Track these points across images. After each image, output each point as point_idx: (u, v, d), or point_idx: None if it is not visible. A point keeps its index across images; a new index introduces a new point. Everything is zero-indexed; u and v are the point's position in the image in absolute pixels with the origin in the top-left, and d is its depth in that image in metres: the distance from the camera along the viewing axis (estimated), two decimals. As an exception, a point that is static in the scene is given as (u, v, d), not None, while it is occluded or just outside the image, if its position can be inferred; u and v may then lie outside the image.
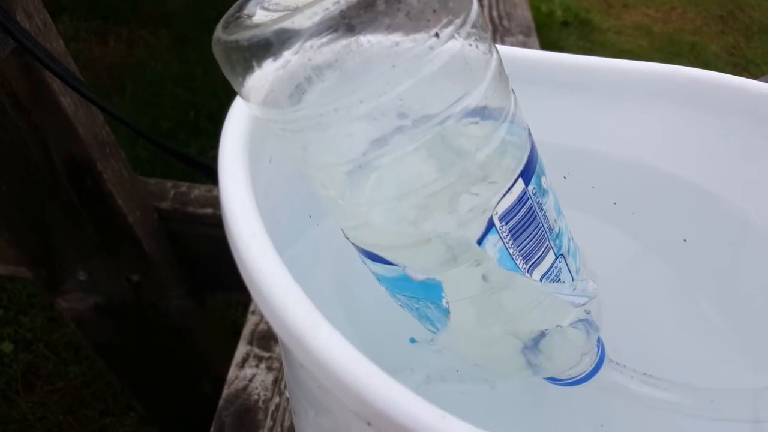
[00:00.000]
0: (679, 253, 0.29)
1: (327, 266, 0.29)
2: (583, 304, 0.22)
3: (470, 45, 0.17)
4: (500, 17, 0.90)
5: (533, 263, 0.20)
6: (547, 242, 0.20)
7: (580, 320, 0.23)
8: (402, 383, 0.14)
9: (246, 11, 0.18)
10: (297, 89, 0.17)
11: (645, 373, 0.26)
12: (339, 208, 0.20)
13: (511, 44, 0.84)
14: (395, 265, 0.20)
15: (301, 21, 0.15)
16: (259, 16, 0.17)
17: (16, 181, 0.56)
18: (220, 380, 0.47)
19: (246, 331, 0.50)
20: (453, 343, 0.22)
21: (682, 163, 0.28)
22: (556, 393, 0.26)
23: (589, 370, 0.25)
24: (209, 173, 0.43)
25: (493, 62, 0.18)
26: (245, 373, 0.47)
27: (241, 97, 0.19)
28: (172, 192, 0.68)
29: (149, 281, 0.68)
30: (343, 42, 0.15)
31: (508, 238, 0.19)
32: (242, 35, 0.16)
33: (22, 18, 0.44)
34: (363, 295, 0.28)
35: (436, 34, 0.16)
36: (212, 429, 0.44)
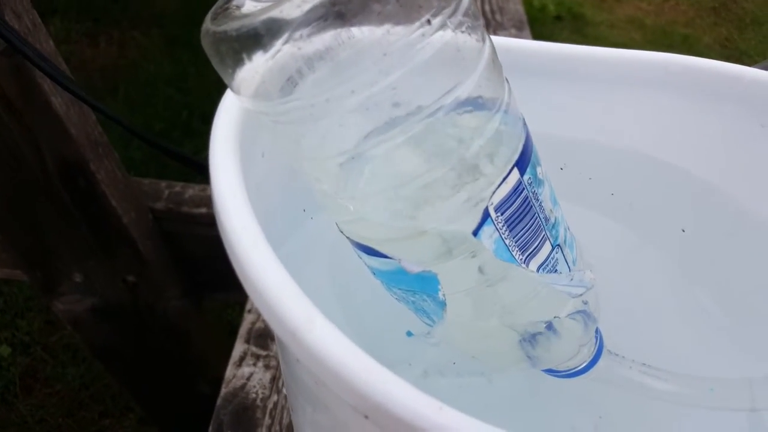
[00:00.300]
0: (677, 244, 0.29)
1: (322, 260, 0.29)
2: (581, 295, 0.22)
3: (462, 33, 0.17)
4: (492, 11, 0.90)
5: (530, 254, 0.20)
6: (544, 233, 0.20)
7: (578, 311, 0.23)
8: (400, 377, 0.14)
9: (235, 2, 0.18)
10: (288, 81, 0.17)
11: (643, 364, 0.26)
12: (333, 202, 0.20)
13: (504, 38, 0.84)
14: (390, 258, 0.20)
15: (290, 10, 0.15)
16: (248, 6, 0.17)
17: (8, 183, 0.56)
18: (218, 380, 0.47)
19: (243, 330, 0.50)
20: (450, 336, 0.22)
21: (677, 153, 0.28)
22: (554, 385, 0.26)
23: (587, 362, 0.25)
24: (203, 171, 0.43)
25: (486, 51, 0.18)
26: (243, 372, 0.47)
27: (232, 90, 0.18)
28: (167, 192, 0.68)
29: (145, 282, 0.68)
30: (334, 31, 0.15)
31: (504, 228, 0.19)
32: (230, 26, 0.16)
33: (11, 18, 0.44)
34: (359, 289, 0.28)
35: (428, 21, 0.15)
36: (210, 428, 0.44)
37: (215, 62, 0.17)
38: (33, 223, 0.61)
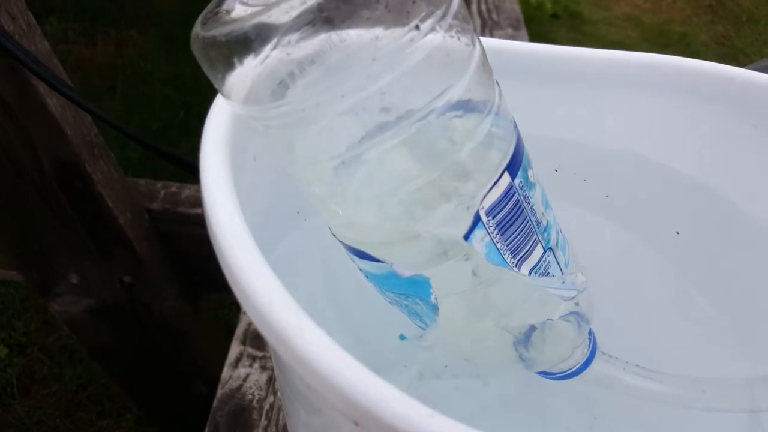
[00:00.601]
0: (672, 244, 0.29)
1: (316, 261, 0.29)
2: (573, 298, 0.22)
3: (452, 37, 0.17)
4: (489, 10, 0.90)
5: (521, 257, 0.20)
6: (535, 236, 0.20)
7: (571, 313, 0.23)
8: (395, 380, 0.14)
9: (225, 6, 0.18)
10: (279, 86, 0.17)
11: (637, 365, 0.26)
12: (325, 206, 0.20)
13: (500, 38, 0.83)
14: (382, 262, 0.20)
15: (279, 15, 0.15)
16: (238, 11, 0.17)
17: (4, 184, 0.56)
18: (215, 380, 0.47)
19: (239, 331, 0.50)
20: (443, 339, 0.22)
21: (671, 154, 0.28)
22: (550, 387, 0.26)
23: (581, 363, 0.25)
24: (197, 173, 0.43)
25: (476, 54, 0.18)
26: (239, 373, 0.47)
27: (222, 94, 0.18)
28: (163, 192, 0.68)
29: (142, 283, 0.68)
30: (323, 36, 0.15)
31: (496, 232, 0.19)
32: (220, 31, 0.16)
33: (5, 20, 0.44)
34: (352, 291, 0.28)
35: (417, 26, 0.15)
36: (207, 430, 0.44)
37: (205, 67, 0.17)
38: (29, 224, 0.60)
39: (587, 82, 0.27)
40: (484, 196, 0.18)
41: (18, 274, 0.67)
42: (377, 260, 0.20)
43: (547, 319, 0.22)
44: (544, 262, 0.21)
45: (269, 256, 0.16)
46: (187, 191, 0.68)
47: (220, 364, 0.48)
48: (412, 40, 0.15)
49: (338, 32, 0.15)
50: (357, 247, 0.21)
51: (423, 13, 0.16)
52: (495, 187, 0.18)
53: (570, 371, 0.25)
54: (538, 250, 0.20)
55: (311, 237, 0.27)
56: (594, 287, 0.24)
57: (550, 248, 0.21)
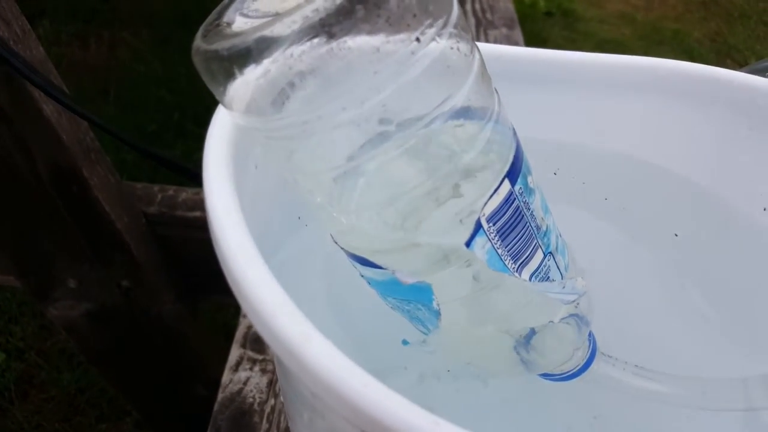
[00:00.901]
0: (670, 246, 0.30)
1: (317, 266, 0.29)
2: (573, 301, 0.22)
3: (452, 48, 0.17)
4: (483, 10, 0.90)
5: (522, 263, 0.20)
6: (536, 241, 0.20)
7: (571, 315, 0.23)
8: (395, 383, 0.14)
9: (225, 19, 0.18)
10: (279, 95, 0.17)
11: (636, 365, 0.26)
12: (327, 214, 0.20)
13: (495, 37, 0.84)
14: (384, 269, 0.20)
15: (281, 29, 0.15)
16: (239, 23, 0.17)
17: (0, 190, 0.56)
18: (214, 382, 0.47)
19: (239, 334, 0.50)
20: (445, 344, 0.22)
21: (669, 156, 0.28)
22: (549, 387, 0.27)
23: (581, 365, 0.25)
24: (193, 178, 0.43)
25: (476, 63, 0.18)
26: (239, 377, 0.47)
27: (223, 105, 0.19)
28: (159, 196, 0.68)
29: (140, 286, 0.68)
30: (324, 49, 0.15)
31: (496, 238, 0.19)
32: (222, 45, 0.16)
33: None
34: (354, 296, 0.28)
35: (417, 39, 0.16)
36: (208, 434, 0.44)
37: (207, 79, 0.17)
38: (26, 229, 0.60)
39: (585, 86, 0.27)
40: (485, 204, 0.19)
41: (15, 279, 0.67)
42: (379, 267, 0.20)
43: (549, 322, 0.22)
44: (545, 266, 0.21)
45: (270, 262, 0.16)
46: (184, 194, 0.68)
47: (219, 366, 0.48)
48: (413, 52, 0.16)
49: (339, 45, 0.15)
50: (358, 254, 0.21)
51: (423, 25, 0.16)
52: (495, 194, 0.19)
53: (571, 372, 0.25)
54: (539, 255, 0.21)
55: (312, 242, 0.27)
56: (593, 289, 0.24)
57: (550, 253, 0.21)
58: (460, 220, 0.19)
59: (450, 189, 0.18)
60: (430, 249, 0.19)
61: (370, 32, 0.15)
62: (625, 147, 0.28)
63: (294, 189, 0.21)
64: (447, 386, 0.30)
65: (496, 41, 0.83)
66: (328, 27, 0.15)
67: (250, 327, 0.50)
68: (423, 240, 0.19)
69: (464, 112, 0.18)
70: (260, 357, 0.48)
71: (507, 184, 0.19)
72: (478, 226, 0.19)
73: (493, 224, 0.19)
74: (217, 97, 0.18)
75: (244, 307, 0.16)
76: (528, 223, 0.20)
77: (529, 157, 0.21)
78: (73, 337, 0.74)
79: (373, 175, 0.18)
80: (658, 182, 0.29)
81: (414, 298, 0.21)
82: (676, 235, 0.29)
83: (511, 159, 0.19)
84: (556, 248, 0.22)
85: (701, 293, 0.29)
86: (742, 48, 2.05)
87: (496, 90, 0.20)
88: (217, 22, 0.18)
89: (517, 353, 0.23)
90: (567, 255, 0.23)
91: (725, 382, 0.25)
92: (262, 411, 0.45)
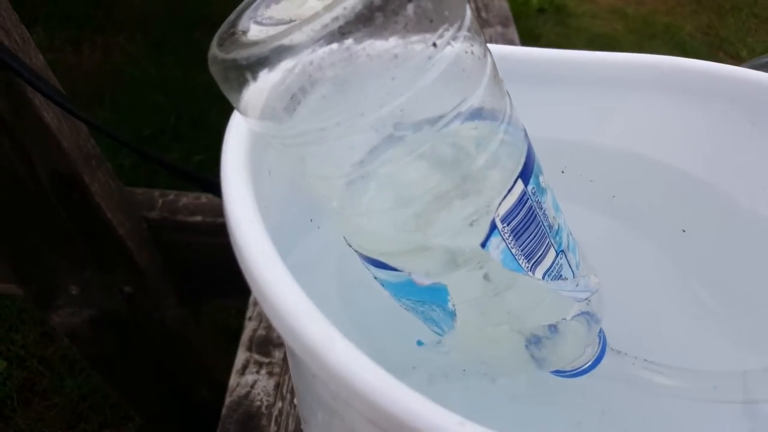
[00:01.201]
0: (677, 243, 0.30)
1: (330, 268, 0.30)
2: (586, 299, 0.22)
3: (466, 52, 0.17)
4: (478, 9, 0.90)
5: (535, 262, 0.20)
6: (548, 240, 0.21)
7: (582, 312, 0.23)
8: (406, 383, 0.14)
9: (240, 27, 0.18)
10: (292, 100, 0.17)
11: (645, 360, 0.26)
12: (341, 217, 0.20)
13: (490, 35, 0.84)
14: (399, 270, 0.20)
15: (300, 38, 0.15)
16: (254, 31, 0.17)
17: (1, 198, 0.56)
18: (218, 385, 0.47)
19: (244, 338, 0.50)
20: (459, 344, 0.23)
21: (672, 153, 0.28)
22: (557, 381, 0.27)
23: (592, 361, 0.25)
24: (197, 182, 0.43)
25: (488, 66, 0.18)
26: (246, 380, 0.47)
27: (239, 111, 0.19)
28: (160, 201, 0.68)
29: (142, 292, 0.68)
30: (342, 56, 0.15)
31: (510, 238, 0.19)
32: (240, 54, 0.16)
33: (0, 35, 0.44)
34: (365, 297, 0.28)
35: (434, 44, 0.16)
36: (217, 438, 0.44)
37: (224, 88, 0.17)
38: (27, 237, 0.60)
39: (589, 85, 0.27)
40: (499, 204, 0.19)
41: (17, 287, 0.67)
42: (394, 269, 0.21)
43: (562, 319, 0.22)
44: (557, 264, 0.21)
45: (284, 263, 0.16)
46: (184, 199, 0.68)
47: (222, 369, 0.48)
48: (430, 57, 0.16)
49: (358, 51, 0.15)
50: (373, 256, 0.21)
51: (439, 30, 0.16)
52: (509, 194, 0.19)
53: (581, 368, 0.26)
54: (551, 254, 0.21)
55: (324, 244, 0.28)
56: (602, 286, 0.25)
57: (562, 251, 0.22)
58: (475, 221, 0.19)
59: (465, 191, 0.19)
60: (445, 250, 0.20)
61: (387, 38, 0.15)
62: (630, 144, 0.29)
63: (307, 192, 0.21)
64: (456, 384, 0.30)
65: (491, 39, 0.83)
66: (346, 34, 0.15)
67: (255, 330, 0.51)
68: (438, 242, 0.19)
69: (478, 114, 0.18)
70: (266, 360, 0.48)
71: (520, 184, 0.19)
72: (493, 227, 0.19)
73: (507, 224, 0.19)
74: (233, 104, 0.18)
75: (268, 312, 0.16)
76: (541, 222, 0.20)
77: (537, 156, 0.21)
78: (75, 344, 0.74)
79: (387, 179, 0.19)
80: (663, 178, 0.29)
81: (429, 299, 0.21)
82: (683, 231, 0.29)
83: (523, 159, 0.20)
84: (568, 246, 0.22)
85: (708, 289, 0.30)
86: (734, 40, 2.06)
87: (507, 92, 0.20)
88: (232, 30, 0.18)
89: (530, 351, 0.23)
90: (578, 253, 0.23)
91: (733, 375, 0.26)
92: (270, 414, 0.45)
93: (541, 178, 0.21)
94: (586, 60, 0.27)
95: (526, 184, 0.20)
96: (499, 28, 0.87)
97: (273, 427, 0.44)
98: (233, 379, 0.47)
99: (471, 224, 0.19)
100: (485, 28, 0.86)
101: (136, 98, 1.50)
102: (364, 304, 0.29)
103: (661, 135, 0.28)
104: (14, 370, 1.03)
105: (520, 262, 0.20)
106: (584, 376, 0.26)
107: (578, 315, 0.23)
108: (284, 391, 0.46)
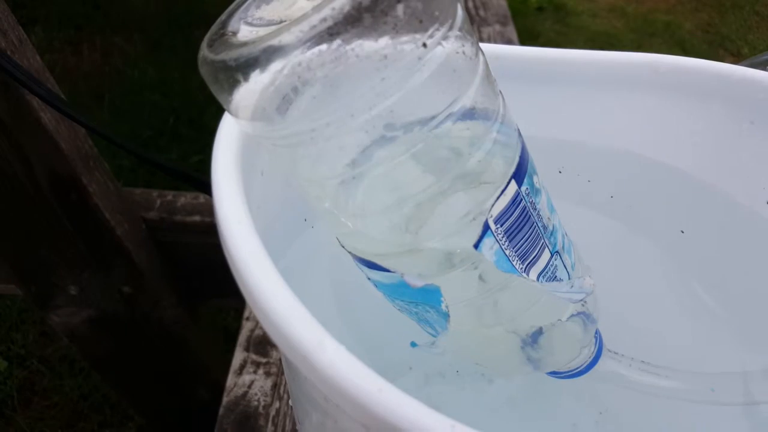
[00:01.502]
0: (676, 242, 0.30)
1: (323, 268, 0.29)
2: (581, 300, 0.22)
3: (457, 52, 0.17)
4: (476, 7, 0.90)
5: (530, 263, 0.20)
6: (543, 241, 0.21)
7: (578, 313, 0.23)
8: (402, 384, 0.14)
9: (230, 28, 0.18)
10: (284, 101, 0.17)
11: (642, 361, 0.26)
12: (333, 218, 0.20)
13: (489, 34, 0.84)
14: (392, 272, 0.20)
15: (289, 38, 0.15)
16: (244, 32, 0.17)
17: (0, 199, 0.55)
18: (217, 384, 0.47)
19: (242, 338, 0.50)
20: (454, 345, 0.22)
21: (670, 152, 0.28)
22: (554, 383, 0.27)
23: (588, 362, 0.25)
24: (194, 182, 0.43)
25: (480, 66, 0.18)
26: (244, 380, 0.47)
27: (230, 113, 0.19)
28: (159, 201, 0.67)
29: (141, 292, 0.68)
30: (331, 57, 0.15)
31: (504, 239, 0.19)
32: (229, 55, 0.16)
33: (-4, 36, 0.44)
34: (360, 297, 0.28)
35: (424, 44, 0.16)
36: (214, 438, 0.44)
37: (214, 89, 0.17)
38: (26, 238, 0.60)
39: (587, 84, 0.27)
40: (492, 205, 0.19)
41: (16, 287, 0.67)
42: (387, 270, 0.20)
43: (557, 321, 0.22)
44: (552, 266, 0.21)
45: (277, 264, 0.16)
46: (182, 199, 0.68)
47: (220, 368, 0.48)
48: (420, 57, 0.16)
49: (347, 52, 0.15)
50: (365, 257, 0.21)
51: (430, 30, 0.16)
52: (502, 195, 0.19)
53: (578, 370, 0.25)
54: (546, 255, 0.21)
55: (319, 244, 0.28)
56: (599, 286, 0.24)
57: (557, 252, 0.21)
58: (468, 222, 0.19)
59: (457, 192, 0.18)
60: (438, 252, 0.20)
61: (377, 39, 0.15)
62: (627, 144, 0.29)
63: (300, 193, 0.21)
64: (452, 385, 0.30)
65: (489, 38, 0.83)
66: (335, 35, 0.15)
67: (252, 330, 0.50)
68: (430, 243, 0.19)
69: (470, 115, 0.18)
70: (264, 360, 0.48)
71: (513, 184, 0.19)
72: (486, 228, 0.19)
73: (501, 225, 0.19)
74: (224, 106, 0.18)
75: (258, 314, 0.16)
76: (535, 223, 0.20)
77: (534, 156, 0.21)
78: (75, 344, 0.74)
79: (379, 180, 0.18)
80: (661, 178, 0.29)
81: (422, 301, 0.21)
82: (682, 231, 0.29)
83: (517, 160, 0.19)
84: (563, 247, 0.22)
85: (707, 289, 0.30)
86: (735, 38, 2.06)
87: (500, 92, 0.20)
88: (222, 31, 0.18)
89: (525, 352, 0.23)
90: (573, 254, 0.23)
91: (732, 376, 0.25)
92: (267, 414, 0.45)
93: (535, 179, 0.21)
94: (583, 59, 0.27)
95: (519, 184, 0.19)
96: (497, 27, 0.87)
97: (270, 427, 0.44)
98: (230, 379, 0.47)
99: (463, 225, 0.19)
100: (483, 27, 0.86)
101: (135, 99, 1.50)
102: (358, 305, 0.29)
103: (658, 134, 0.28)
104: (14, 369, 1.03)
105: (514, 263, 0.20)
106: (581, 378, 0.26)
107: (574, 316, 0.23)
108: (281, 391, 0.46)
